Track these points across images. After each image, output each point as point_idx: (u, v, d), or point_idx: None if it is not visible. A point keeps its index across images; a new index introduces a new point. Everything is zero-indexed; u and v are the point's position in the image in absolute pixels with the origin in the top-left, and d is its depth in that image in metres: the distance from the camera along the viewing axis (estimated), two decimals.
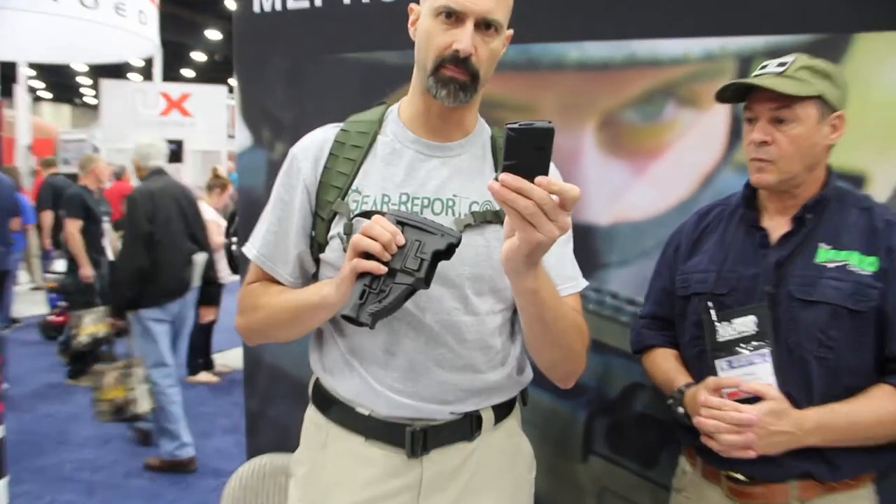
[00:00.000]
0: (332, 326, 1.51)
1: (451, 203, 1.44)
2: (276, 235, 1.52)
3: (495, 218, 1.44)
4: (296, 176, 1.48)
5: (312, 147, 1.49)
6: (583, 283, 1.53)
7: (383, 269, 1.23)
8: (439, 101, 1.40)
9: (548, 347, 1.33)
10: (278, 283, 1.54)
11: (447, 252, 1.25)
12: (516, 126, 0.98)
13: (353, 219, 1.41)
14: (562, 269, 1.48)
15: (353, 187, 1.44)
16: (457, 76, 1.37)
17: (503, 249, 1.13)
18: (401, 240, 1.24)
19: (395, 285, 1.23)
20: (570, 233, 1.49)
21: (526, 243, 1.08)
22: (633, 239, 2.10)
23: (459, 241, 1.26)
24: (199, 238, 4.74)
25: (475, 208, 1.44)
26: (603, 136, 2.08)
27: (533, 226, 1.05)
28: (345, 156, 1.47)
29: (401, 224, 1.27)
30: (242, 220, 2.59)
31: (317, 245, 1.48)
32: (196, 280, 4.74)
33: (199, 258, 4.72)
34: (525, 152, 1.01)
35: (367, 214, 1.40)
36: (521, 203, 1.03)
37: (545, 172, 1.02)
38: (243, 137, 2.57)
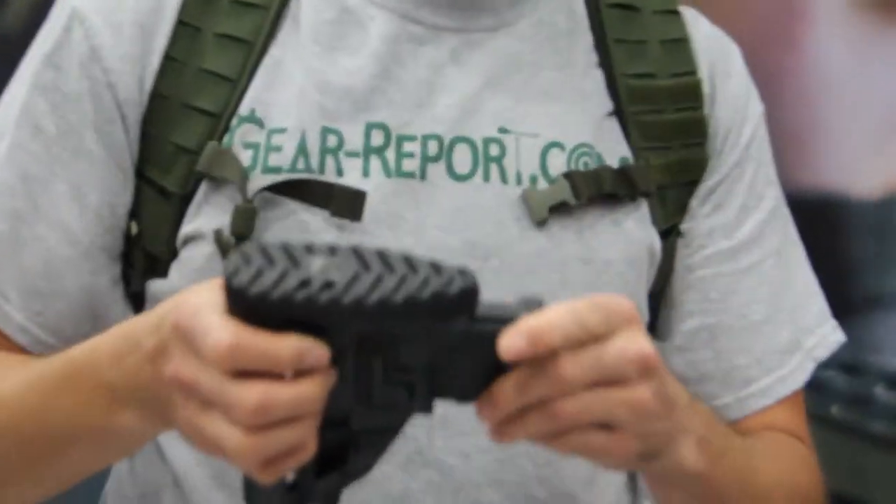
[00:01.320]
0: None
1: (497, 151, 0.63)
2: (11, 231, 0.63)
3: (620, 185, 0.64)
4: (80, 74, 0.63)
5: None
6: (831, 342, 0.73)
7: (309, 454, 0.43)
8: None
9: None
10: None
11: (466, 340, 0.43)
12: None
13: (253, 198, 0.61)
14: (770, 334, 0.70)
15: (246, 110, 0.62)
16: None
17: None
18: (320, 359, 0.41)
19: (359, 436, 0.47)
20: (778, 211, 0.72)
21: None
22: None
23: (475, 290, 0.43)
24: None
25: (559, 161, 0.64)
26: None
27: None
28: (218, 28, 0.63)
29: (334, 304, 0.40)
30: None
31: (142, 257, 0.65)
32: None
33: None
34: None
35: (291, 187, 0.61)
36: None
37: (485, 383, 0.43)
38: None
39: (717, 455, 0.57)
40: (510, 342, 0.41)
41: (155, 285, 0.64)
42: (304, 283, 0.40)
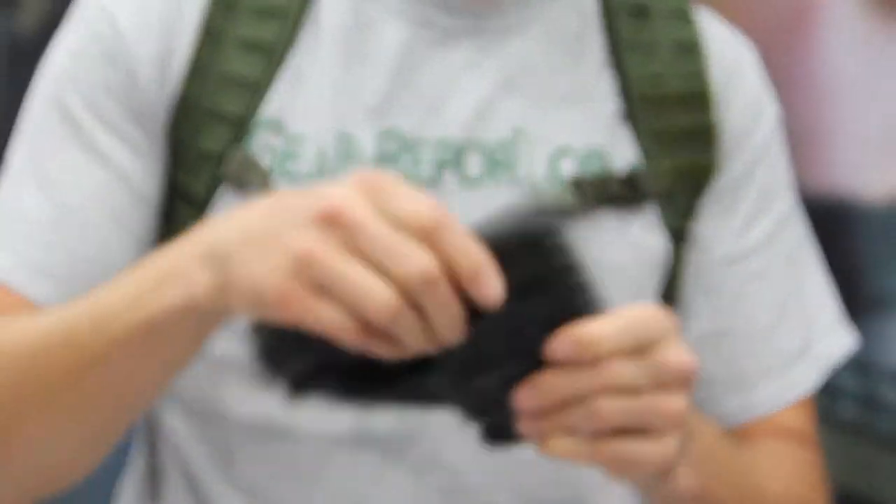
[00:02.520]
0: (205, 455, 0.64)
1: (508, 156, 0.64)
2: (56, 224, 0.62)
3: (628, 191, 0.65)
4: (113, 69, 0.63)
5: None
6: (843, 346, 0.72)
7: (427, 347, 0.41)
8: None
9: None
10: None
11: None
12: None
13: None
14: (770, 339, 0.69)
15: (266, 115, 0.63)
16: None
17: None
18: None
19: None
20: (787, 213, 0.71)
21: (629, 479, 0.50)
22: None
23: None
24: None
25: (569, 166, 0.64)
26: None
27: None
28: (242, 31, 0.64)
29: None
30: None
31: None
32: None
33: None
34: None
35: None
36: (587, 454, 0.45)
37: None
38: None
39: (715, 474, 0.58)
40: (560, 346, 0.42)
41: None
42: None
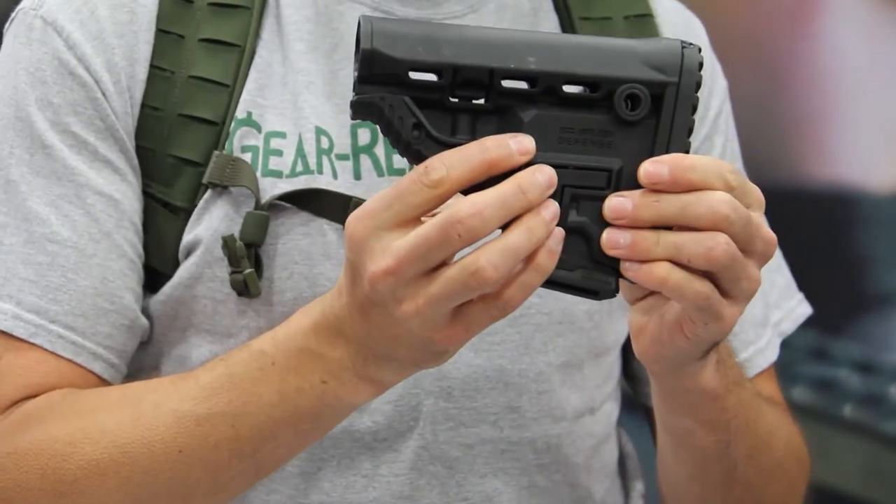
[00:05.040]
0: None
1: None
2: (55, 259, 0.60)
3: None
4: (72, 83, 0.60)
5: (102, 6, 0.62)
6: (797, 315, 0.77)
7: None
8: None
9: None
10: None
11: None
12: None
13: (265, 205, 0.61)
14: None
15: (242, 114, 0.62)
16: None
17: (636, 334, 0.52)
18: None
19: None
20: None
21: (695, 341, 0.52)
22: None
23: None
24: None
25: None
26: None
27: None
28: (202, 33, 0.62)
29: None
30: None
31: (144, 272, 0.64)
32: None
33: None
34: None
35: (304, 196, 0.62)
36: (693, 290, 0.46)
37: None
38: None
39: (732, 383, 0.57)
40: (653, 168, 0.44)
41: (147, 301, 0.63)
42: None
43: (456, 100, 0.45)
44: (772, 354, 0.73)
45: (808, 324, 0.79)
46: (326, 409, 0.51)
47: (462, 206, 0.42)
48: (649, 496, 0.75)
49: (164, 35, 0.62)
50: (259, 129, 0.62)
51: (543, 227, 0.43)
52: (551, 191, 0.43)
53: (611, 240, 0.45)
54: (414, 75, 0.44)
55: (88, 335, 0.59)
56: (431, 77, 0.44)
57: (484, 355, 0.64)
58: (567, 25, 0.68)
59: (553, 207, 0.43)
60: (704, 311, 0.47)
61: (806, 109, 1.85)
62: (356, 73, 0.44)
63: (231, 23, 0.63)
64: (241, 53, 0.62)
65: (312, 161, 0.62)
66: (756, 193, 0.48)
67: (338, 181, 0.62)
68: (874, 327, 2.01)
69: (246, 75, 0.63)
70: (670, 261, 0.45)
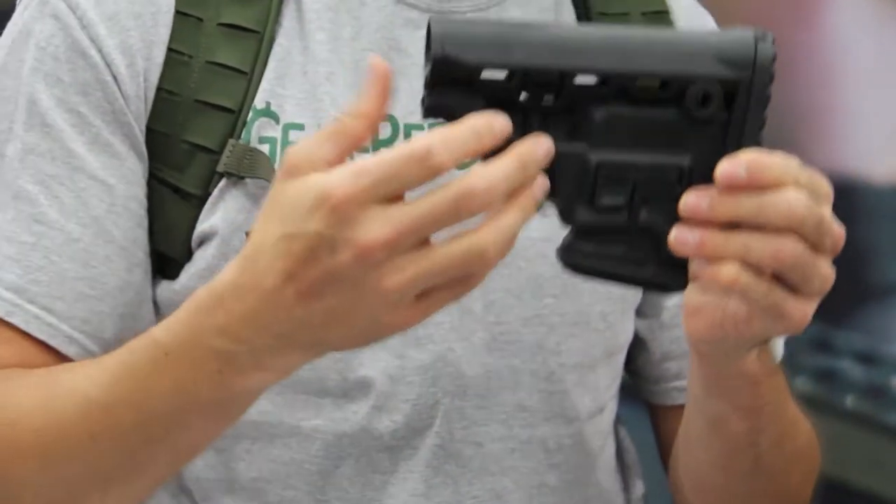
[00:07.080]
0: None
1: None
2: (40, 239, 0.60)
3: None
4: (83, 64, 0.60)
5: None
6: None
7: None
8: None
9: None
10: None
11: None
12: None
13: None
14: None
15: (261, 104, 0.62)
16: None
17: (691, 313, 0.51)
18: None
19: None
20: None
21: (758, 335, 0.52)
22: None
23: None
24: None
25: None
26: None
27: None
28: (222, 18, 0.62)
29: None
30: None
31: (153, 258, 0.63)
32: None
33: None
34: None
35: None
36: (760, 293, 0.46)
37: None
38: None
39: (769, 369, 0.58)
40: (731, 167, 0.43)
41: (162, 288, 0.63)
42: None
43: (526, 99, 0.45)
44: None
45: None
46: (230, 397, 0.47)
47: (475, 181, 0.40)
48: (647, 492, 0.77)
49: (184, 17, 0.61)
50: (277, 119, 0.62)
51: (533, 208, 0.42)
52: (546, 163, 0.42)
53: (679, 238, 0.44)
54: (485, 74, 0.44)
55: (65, 318, 0.59)
56: (501, 75, 0.44)
57: (497, 354, 0.64)
58: (584, 20, 0.68)
59: (543, 182, 0.42)
60: (770, 311, 0.47)
61: (809, 102, 1.84)
62: (427, 76, 0.44)
63: (251, 8, 0.62)
64: (259, 40, 0.62)
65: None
66: (825, 188, 0.47)
67: None
68: (876, 318, 2.00)
69: (265, 63, 0.62)
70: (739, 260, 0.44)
